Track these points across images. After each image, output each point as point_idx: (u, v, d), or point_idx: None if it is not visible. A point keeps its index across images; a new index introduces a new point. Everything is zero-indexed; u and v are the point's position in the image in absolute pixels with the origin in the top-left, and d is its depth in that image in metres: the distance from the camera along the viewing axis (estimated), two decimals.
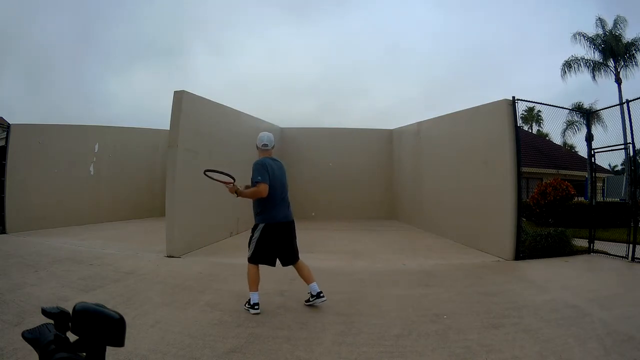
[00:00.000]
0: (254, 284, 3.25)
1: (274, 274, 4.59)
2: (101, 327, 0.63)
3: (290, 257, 3.42)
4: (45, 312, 0.65)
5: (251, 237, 3.30)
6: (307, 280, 3.40)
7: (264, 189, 3.13)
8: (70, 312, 0.65)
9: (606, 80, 15.03)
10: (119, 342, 0.64)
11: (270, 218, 3.25)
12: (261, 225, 3.24)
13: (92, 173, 9.28)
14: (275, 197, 3.24)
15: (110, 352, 0.66)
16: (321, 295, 3.36)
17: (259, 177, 3.14)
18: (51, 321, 0.66)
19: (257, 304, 3.22)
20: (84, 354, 0.64)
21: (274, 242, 3.28)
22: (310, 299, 3.41)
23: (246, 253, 3.31)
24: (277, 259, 3.38)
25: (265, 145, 3.38)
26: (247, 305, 3.28)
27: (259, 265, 3.30)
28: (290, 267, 3.48)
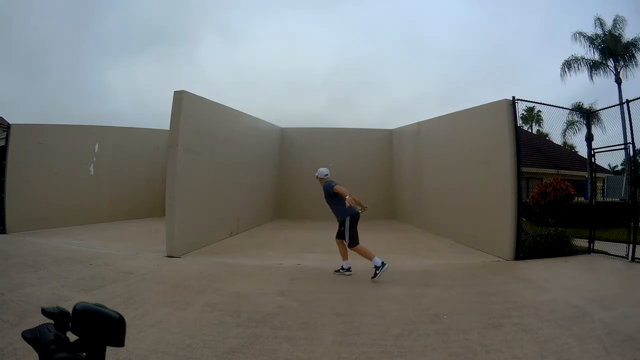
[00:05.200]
0: (370, 253, 4.42)
1: (274, 275, 4.60)
2: (101, 327, 0.63)
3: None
4: (45, 312, 0.65)
5: (343, 229, 4.52)
6: (344, 257, 4.66)
7: (339, 187, 4.56)
8: (70, 312, 0.65)
9: (609, 80, 15.03)
10: (119, 342, 0.64)
11: (350, 212, 4.51)
12: (348, 218, 4.49)
13: (92, 173, 9.27)
14: (342, 200, 4.50)
15: (110, 352, 0.66)
16: (350, 270, 4.60)
17: (333, 183, 4.65)
18: (51, 321, 0.66)
19: (383, 262, 4.33)
20: (84, 354, 0.64)
21: (356, 226, 4.56)
22: (340, 270, 4.63)
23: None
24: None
25: (327, 175, 4.90)
26: (377, 271, 4.29)
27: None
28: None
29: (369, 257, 4.38)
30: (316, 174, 4.90)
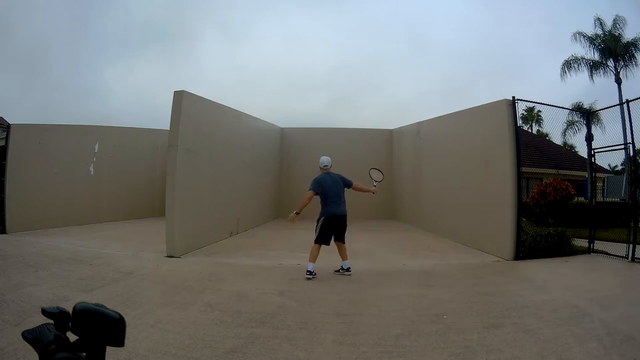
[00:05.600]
0: (313, 258, 4.41)
1: (274, 275, 4.60)
2: (101, 327, 0.63)
3: (341, 236, 4.65)
4: (45, 312, 0.65)
5: (316, 225, 4.58)
6: (343, 257, 4.62)
7: (308, 194, 4.53)
8: (70, 312, 0.65)
9: (609, 80, 15.00)
10: (119, 342, 0.64)
11: (326, 213, 4.53)
12: (322, 218, 4.53)
13: (92, 173, 9.28)
14: (328, 199, 4.55)
15: (110, 352, 0.66)
16: (349, 270, 4.55)
17: (313, 186, 4.59)
18: (51, 321, 0.66)
19: (312, 272, 4.34)
20: (84, 354, 0.64)
21: (331, 228, 4.54)
22: (340, 271, 4.59)
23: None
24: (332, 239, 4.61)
25: (326, 166, 4.75)
26: (307, 274, 4.34)
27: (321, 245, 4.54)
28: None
29: (311, 260, 4.40)
30: (328, 165, 4.80)
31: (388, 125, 12.13)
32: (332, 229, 4.54)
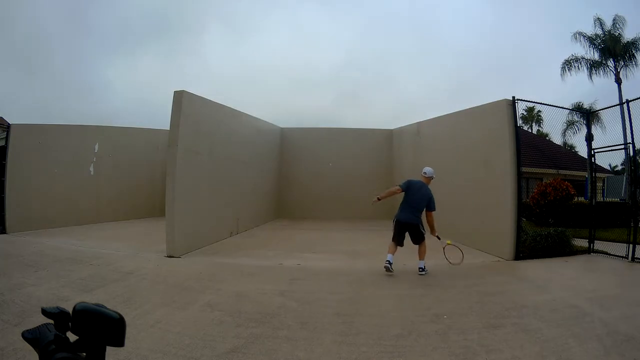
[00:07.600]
0: (390, 250, 4.74)
1: (274, 275, 4.61)
2: (101, 327, 0.63)
3: (413, 239, 4.89)
4: (45, 312, 0.65)
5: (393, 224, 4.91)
6: (419, 257, 4.80)
7: (393, 188, 5.02)
8: (70, 312, 0.65)
9: (609, 80, 14.99)
10: (119, 342, 0.64)
11: (397, 216, 4.88)
12: (394, 220, 4.89)
13: (92, 173, 9.28)
14: (406, 203, 4.89)
15: (110, 352, 0.66)
16: (421, 270, 4.68)
17: (400, 184, 5.02)
18: (51, 321, 0.66)
19: (389, 261, 4.58)
20: (84, 354, 0.64)
21: (401, 231, 4.82)
22: (419, 272, 4.69)
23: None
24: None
25: (425, 173, 5.06)
26: (387, 265, 4.55)
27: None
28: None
29: (389, 252, 4.73)
30: (427, 173, 5.05)
31: (395, 123, 12.06)
32: (402, 231, 4.79)
